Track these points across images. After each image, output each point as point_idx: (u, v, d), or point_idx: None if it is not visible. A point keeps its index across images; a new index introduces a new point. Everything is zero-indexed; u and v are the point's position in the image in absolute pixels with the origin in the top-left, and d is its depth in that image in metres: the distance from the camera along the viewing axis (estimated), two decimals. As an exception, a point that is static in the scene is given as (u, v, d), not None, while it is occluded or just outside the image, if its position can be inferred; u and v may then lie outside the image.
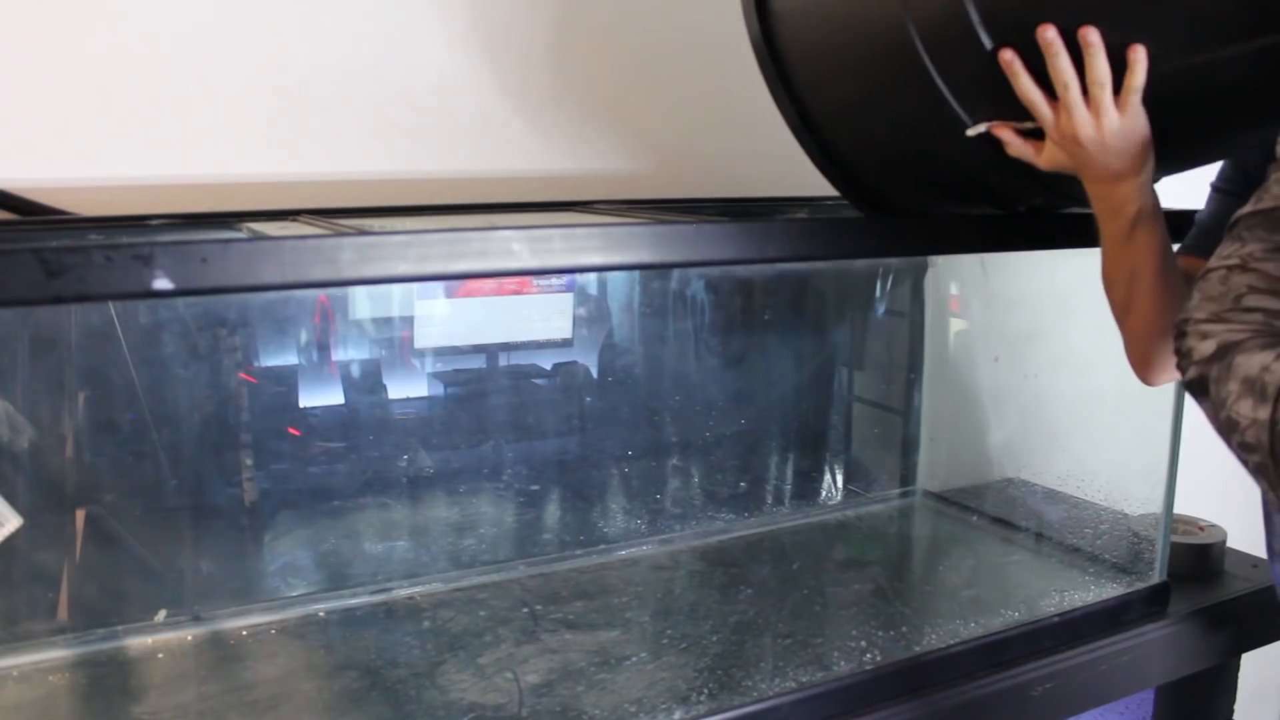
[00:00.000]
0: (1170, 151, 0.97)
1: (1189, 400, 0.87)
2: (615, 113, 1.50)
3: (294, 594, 1.39)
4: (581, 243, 0.96)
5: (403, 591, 1.43)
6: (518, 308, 1.51)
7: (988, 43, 0.94)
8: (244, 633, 1.32)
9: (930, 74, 0.98)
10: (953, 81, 0.98)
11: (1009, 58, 0.93)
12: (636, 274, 1.58)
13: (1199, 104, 0.94)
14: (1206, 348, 0.79)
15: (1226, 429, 0.77)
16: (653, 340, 1.64)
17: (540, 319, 1.52)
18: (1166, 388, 1.23)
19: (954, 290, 1.80)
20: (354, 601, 1.40)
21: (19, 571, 1.22)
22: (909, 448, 1.86)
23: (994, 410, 1.80)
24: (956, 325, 1.81)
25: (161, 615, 1.31)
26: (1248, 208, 0.82)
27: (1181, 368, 0.83)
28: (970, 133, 1.00)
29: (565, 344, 1.55)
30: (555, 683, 1.21)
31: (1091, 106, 0.92)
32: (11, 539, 1.05)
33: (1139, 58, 0.88)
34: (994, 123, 0.99)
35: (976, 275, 1.75)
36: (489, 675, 1.22)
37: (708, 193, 1.53)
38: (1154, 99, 0.92)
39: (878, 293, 1.79)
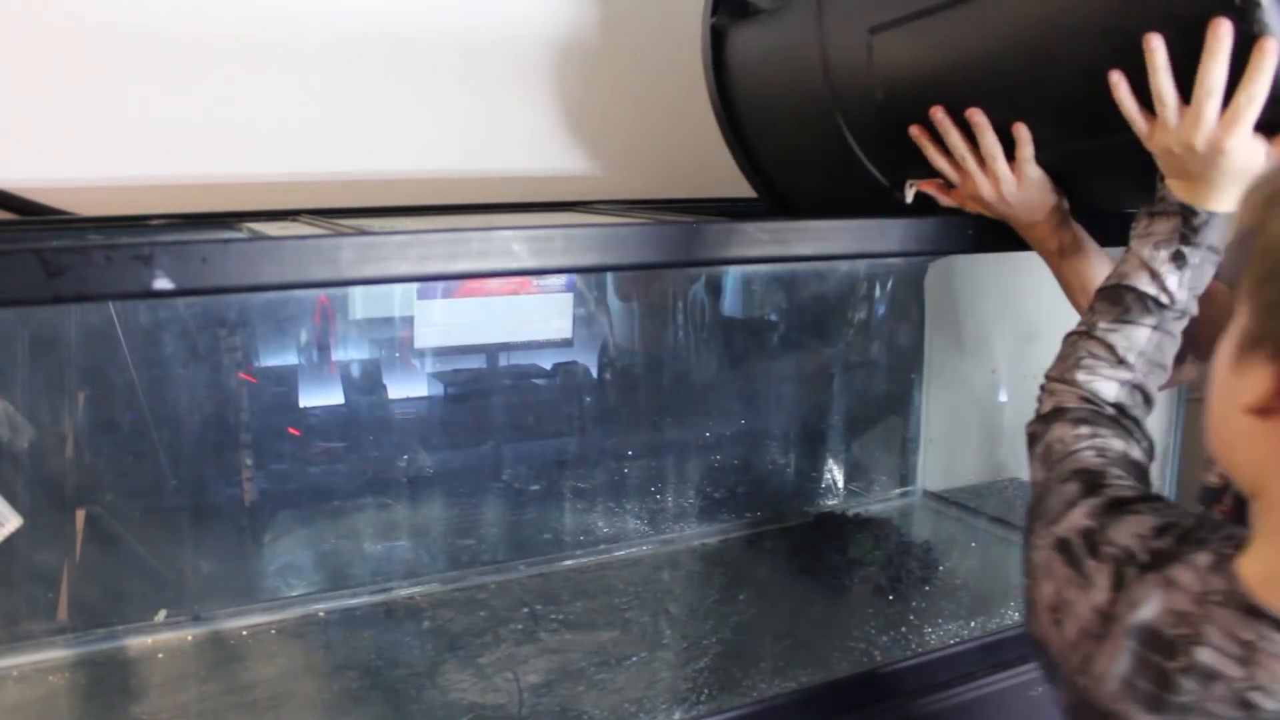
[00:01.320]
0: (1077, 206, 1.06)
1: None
2: (616, 114, 1.51)
3: (294, 594, 1.39)
4: (581, 243, 0.96)
5: (403, 591, 1.43)
6: (518, 308, 1.51)
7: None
8: (244, 633, 1.32)
9: (854, 150, 1.13)
10: (870, 151, 1.13)
11: (917, 132, 1.04)
12: (636, 274, 1.58)
13: (1085, 180, 1.03)
14: (1045, 407, 0.85)
15: (1031, 483, 0.83)
16: (652, 340, 1.64)
17: (540, 319, 1.53)
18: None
19: (953, 290, 1.80)
20: (354, 601, 1.40)
21: (19, 571, 1.22)
22: (909, 448, 1.86)
23: (994, 410, 1.80)
24: (956, 325, 1.81)
25: (161, 615, 1.31)
26: (1104, 281, 0.90)
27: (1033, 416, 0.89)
28: (907, 199, 1.11)
29: (565, 344, 1.55)
30: (555, 683, 1.21)
31: (988, 174, 1.01)
32: (11, 539, 1.05)
33: (1024, 135, 0.97)
34: (922, 182, 1.10)
35: (977, 275, 1.75)
36: (489, 675, 1.22)
37: (708, 193, 1.53)
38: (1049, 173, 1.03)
39: (878, 293, 1.79)
